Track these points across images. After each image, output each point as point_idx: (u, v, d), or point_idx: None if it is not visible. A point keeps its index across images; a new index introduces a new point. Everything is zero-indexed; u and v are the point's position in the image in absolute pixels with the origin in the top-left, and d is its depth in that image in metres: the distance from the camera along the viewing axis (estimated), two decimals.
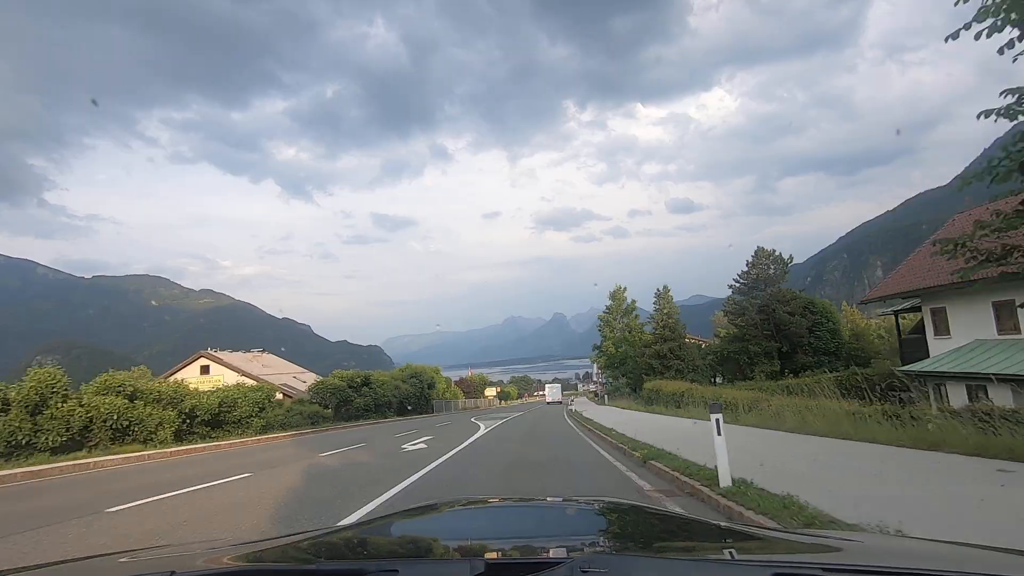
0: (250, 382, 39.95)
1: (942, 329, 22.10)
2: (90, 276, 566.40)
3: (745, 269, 52.30)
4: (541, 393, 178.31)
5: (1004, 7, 5.73)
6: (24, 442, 14.55)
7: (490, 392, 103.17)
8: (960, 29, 6.01)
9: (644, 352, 49.67)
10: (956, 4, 6.35)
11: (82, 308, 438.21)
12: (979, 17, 5.89)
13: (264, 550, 1.59)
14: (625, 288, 60.60)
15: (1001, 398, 16.53)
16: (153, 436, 17.45)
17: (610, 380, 58.04)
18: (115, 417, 16.41)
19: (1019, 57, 6.03)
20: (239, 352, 45.60)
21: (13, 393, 15.15)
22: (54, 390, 15.62)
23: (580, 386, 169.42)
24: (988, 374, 17.19)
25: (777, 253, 50.62)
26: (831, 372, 42.66)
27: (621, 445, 12.91)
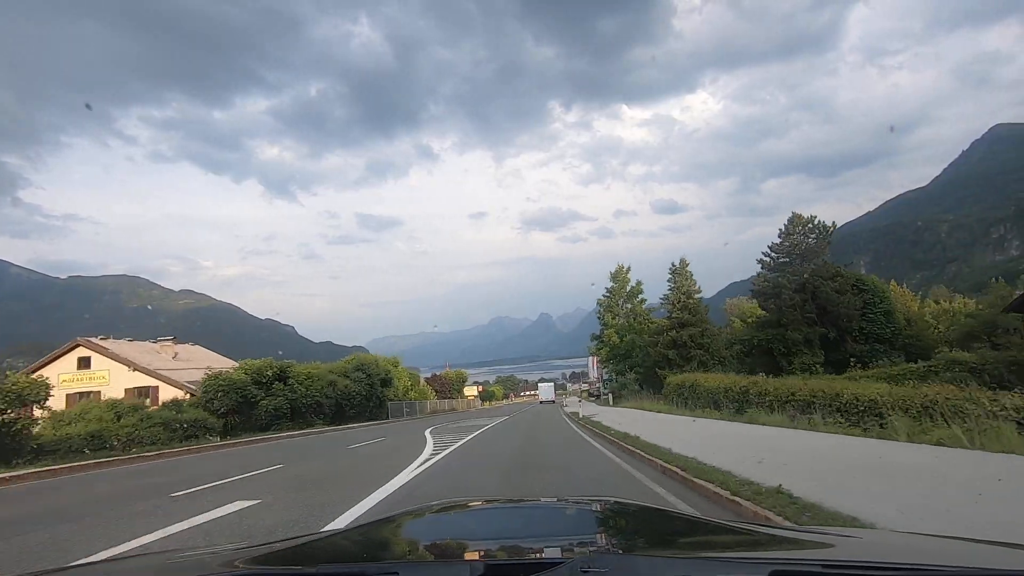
0: (145, 379, 30.17)
1: None
2: (65, 277, 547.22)
3: (777, 241, 42.87)
4: (529, 393, 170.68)
5: None
6: None
7: (470, 392, 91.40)
8: None
9: (657, 341, 40.00)
10: None
11: (56, 309, 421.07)
12: None
13: (264, 554, 1.56)
14: (628, 268, 50.91)
15: None
16: None
17: (614, 376, 48.31)
18: None
19: None
20: (146, 342, 35.08)
21: None
22: None
23: (569, 385, 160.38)
24: None
25: (817, 220, 41.23)
26: (890, 364, 33.43)
27: None
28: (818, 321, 38.60)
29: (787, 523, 4.35)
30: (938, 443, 8.46)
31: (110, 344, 30.77)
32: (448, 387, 63.92)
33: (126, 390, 27.49)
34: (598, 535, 1.77)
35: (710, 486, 6.29)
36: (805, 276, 39.27)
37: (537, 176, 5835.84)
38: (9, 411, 13.35)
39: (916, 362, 31.01)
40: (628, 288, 50.22)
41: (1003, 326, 27.66)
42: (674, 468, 7.88)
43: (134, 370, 29.37)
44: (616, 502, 2.25)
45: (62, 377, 28.55)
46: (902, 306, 44.34)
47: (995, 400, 9.44)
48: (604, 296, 51.17)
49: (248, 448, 18.52)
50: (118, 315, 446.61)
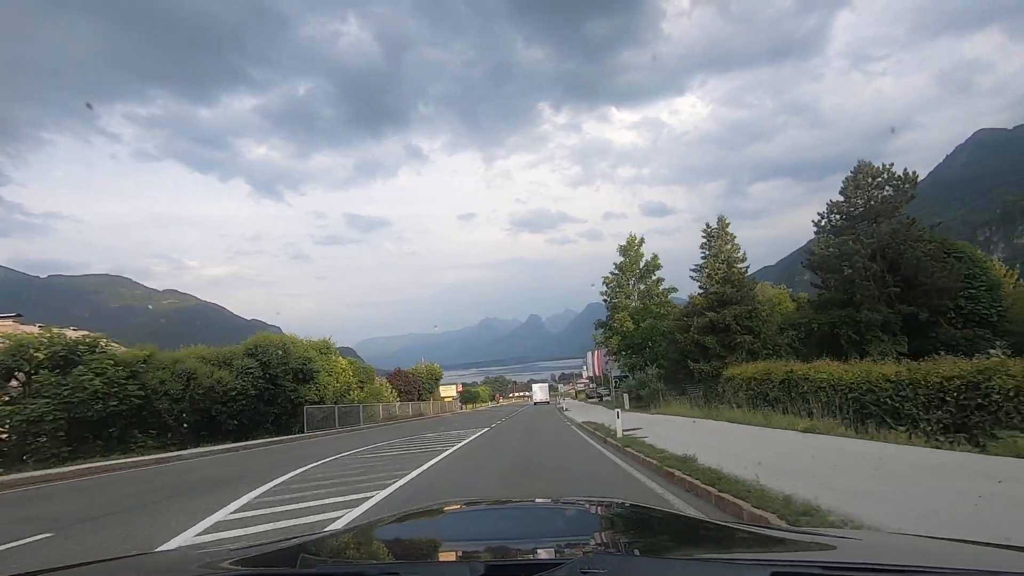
0: None
1: None
2: (45, 275, 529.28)
3: (839, 199, 33.01)
4: (520, 394, 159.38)
5: None
6: None
7: (447, 392, 75.76)
8: None
9: (688, 324, 29.91)
10: None
11: (35, 308, 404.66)
12: None
13: (263, 554, 1.57)
14: (641, 239, 40.82)
15: None
16: None
17: (626, 371, 37.96)
18: None
19: None
20: None
21: None
22: None
23: (561, 387, 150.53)
24: None
25: (892, 169, 31.34)
26: (997, 352, 23.59)
27: None
28: (902, 297, 28.73)
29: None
30: None
31: None
32: (416, 386, 49.66)
33: None
34: (598, 536, 1.67)
35: None
36: (882, 239, 29.37)
37: (527, 177, 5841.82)
38: None
39: None
40: (642, 263, 40.14)
41: None
42: None
43: None
44: (617, 503, 2.22)
45: None
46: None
47: None
48: (612, 274, 41.02)
49: None
50: (100, 314, 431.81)
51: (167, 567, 1.48)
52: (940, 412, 10.69)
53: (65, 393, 14.78)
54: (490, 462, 11.08)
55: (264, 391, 21.34)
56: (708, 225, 31.27)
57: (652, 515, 2.04)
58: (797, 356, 27.19)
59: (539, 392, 79.33)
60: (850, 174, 32.44)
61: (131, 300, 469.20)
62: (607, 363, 49.87)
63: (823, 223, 33.18)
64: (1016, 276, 38.50)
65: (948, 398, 10.62)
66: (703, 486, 6.37)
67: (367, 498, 7.32)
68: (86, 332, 18.82)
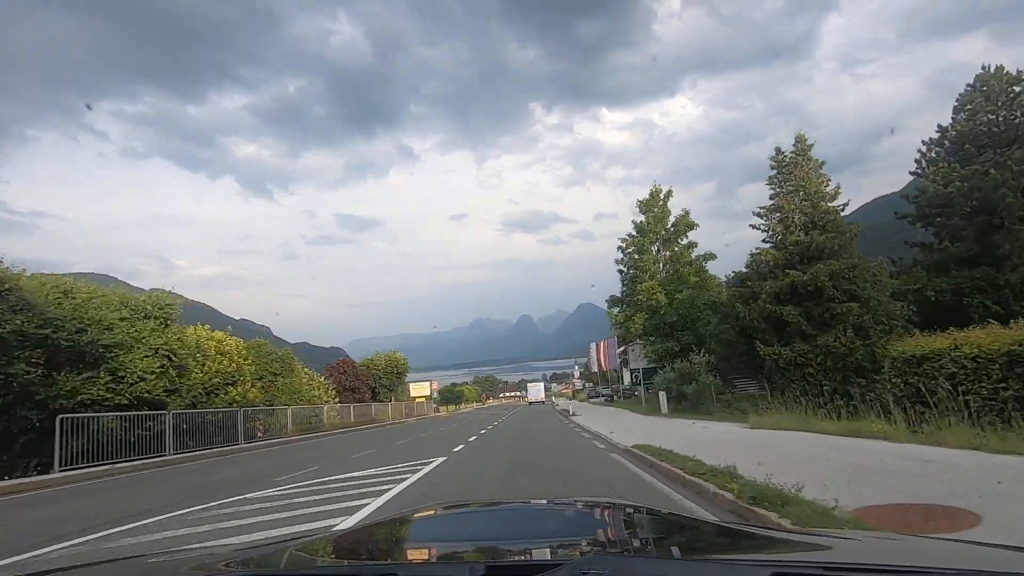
0: None
1: None
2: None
3: (949, 122, 23.67)
4: (512, 394, 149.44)
5: None
6: None
7: (418, 391, 55.15)
8: None
9: (755, 292, 20.30)
10: None
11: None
12: None
13: (264, 555, 1.55)
14: (669, 192, 31.23)
15: None
16: None
17: (652, 358, 27.81)
18: None
19: None
20: None
21: None
22: None
23: (554, 386, 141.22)
24: None
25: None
26: None
27: None
28: None
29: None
30: None
31: None
32: (366, 382, 35.89)
33: None
34: (598, 536, 1.62)
35: None
36: None
37: (519, 178, 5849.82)
38: None
39: None
40: (669, 223, 30.49)
41: None
42: None
43: None
44: (616, 503, 2.16)
45: None
46: None
47: None
48: (630, 236, 31.27)
49: None
50: None
51: (166, 568, 1.44)
52: None
53: None
54: None
55: None
56: (779, 150, 21.64)
57: (652, 516, 1.91)
58: (905, 332, 17.74)
59: (534, 392, 75.85)
60: (968, 87, 23.05)
61: None
62: (623, 353, 39.13)
63: (930, 155, 23.73)
64: None
65: None
66: None
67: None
68: None
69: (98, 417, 12.41)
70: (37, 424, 11.57)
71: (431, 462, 10.45)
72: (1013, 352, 9.08)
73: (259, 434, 19.54)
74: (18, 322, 11.48)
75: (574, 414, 26.43)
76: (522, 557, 1.32)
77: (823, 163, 20.87)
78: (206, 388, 16.78)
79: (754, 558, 1.30)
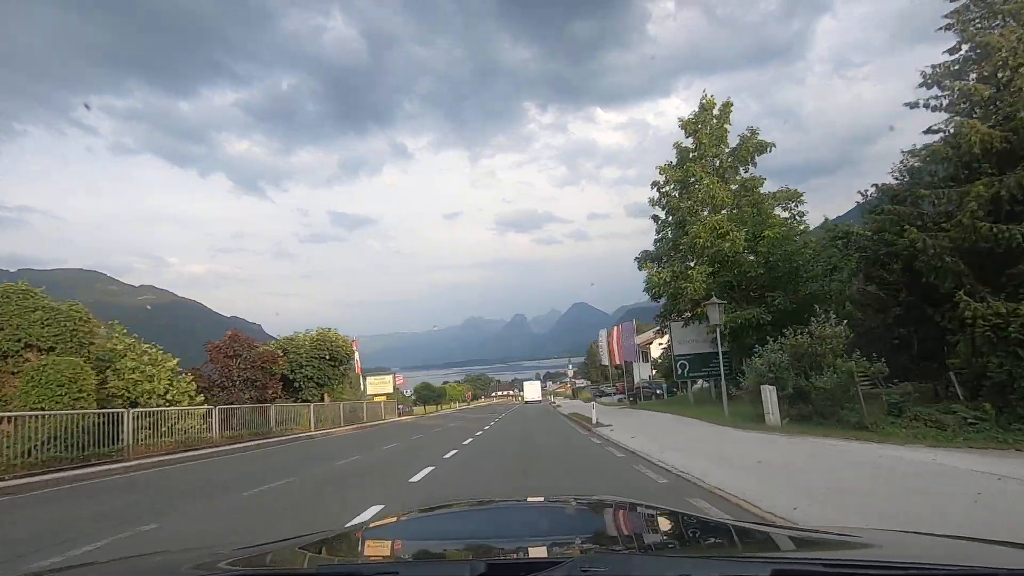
0: None
1: None
2: (15, 269, 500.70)
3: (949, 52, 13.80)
4: (503, 393, 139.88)
5: None
6: None
7: (377, 387, 39.42)
8: None
9: (943, 210, 10.74)
10: None
11: None
12: None
13: (264, 554, 1.51)
14: (729, 103, 21.60)
15: None
16: None
17: (708, 339, 17.49)
18: None
19: None
20: None
21: None
22: None
23: (549, 385, 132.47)
24: None
25: None
26: None
27: None
28: None
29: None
30: None
31: None
32: (261, 367, 20.99)
33: None
34: (598, 534, 1.61)
35: None
36: None
37: (513, 177, 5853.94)
38: None
39: None
40: (731, 141, 20.92)
41: None
42: None
43: None
44: (617, 501, 2.08)
45: None
46: None
47: None
48: (667, 164, 21.57)
49: None
50: None
51: (167, 567, 1.43)
52: None
53: None
54: None
55: None
56: None
57: (653, 513, 1.87)
58: None
59: (530, 390, 72.75)
60: None
61: (105, 296, 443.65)
62: (657, 334, 27.56)
63: (940, 91, 14.17)
64: None
65: None
66: None
67: None
68: None
69: None
70: None
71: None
72: None
73: None
74: None
75: (598, 423, 16.53)
76: (522, 555, 1.29)
77: None
78: None
79: (755, 555, 1.28)
